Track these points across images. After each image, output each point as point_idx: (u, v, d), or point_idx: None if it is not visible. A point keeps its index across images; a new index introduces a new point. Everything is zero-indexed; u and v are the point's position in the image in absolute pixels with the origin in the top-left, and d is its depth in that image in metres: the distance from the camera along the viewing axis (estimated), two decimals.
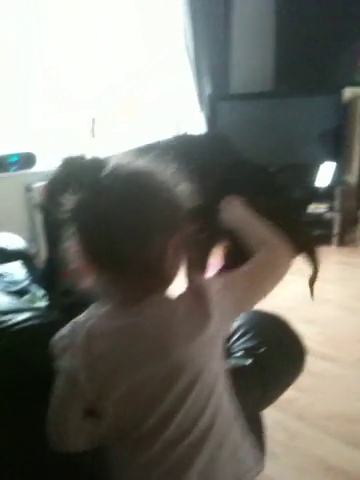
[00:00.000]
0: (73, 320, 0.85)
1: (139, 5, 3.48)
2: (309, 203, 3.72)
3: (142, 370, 0.79)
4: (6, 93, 3.05)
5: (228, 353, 1.18)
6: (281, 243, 0.94)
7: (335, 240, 3.76)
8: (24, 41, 3.06)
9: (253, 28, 4.00)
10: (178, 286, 0.85)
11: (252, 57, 4.03)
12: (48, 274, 1.77)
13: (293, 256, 0.96)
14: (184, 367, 0.79)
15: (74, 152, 0.83)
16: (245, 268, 0.89)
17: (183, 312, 0.79)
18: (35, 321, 1.00)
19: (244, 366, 1.13)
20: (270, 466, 1.45)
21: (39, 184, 2.75)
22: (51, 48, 3.22)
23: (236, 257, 0.96)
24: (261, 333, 1.23)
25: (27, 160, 2.77)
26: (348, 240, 3.79)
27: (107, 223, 0.76)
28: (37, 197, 2.74)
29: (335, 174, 3.67)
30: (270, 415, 1.41)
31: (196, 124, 3.74)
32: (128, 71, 3.61)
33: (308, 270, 1.14)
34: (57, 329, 0.86)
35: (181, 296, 0.83)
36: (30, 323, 0.99)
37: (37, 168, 2.80)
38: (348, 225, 3.80)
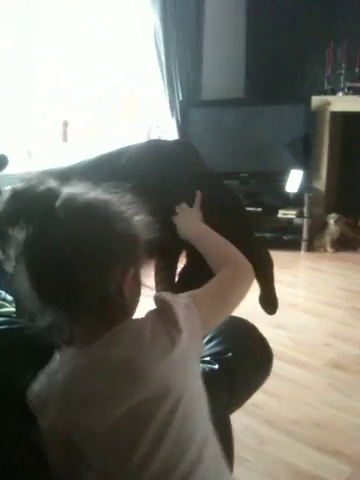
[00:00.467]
0: (42, 373, 0.82)
1: (139, 5, 3.51)
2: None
3: (123, 403, 0.76)
4: (6, 93, 3.05)
5: None
6: (243, 259, 0.95)
7: (304, 245, 3.82)
8: (24, 41, 3.05)
9: (224, 36, 4.06)
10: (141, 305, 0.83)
11: (224, 65, 4.08)
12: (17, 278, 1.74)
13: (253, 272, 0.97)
14: (163, 391, 0.76)
15: (29, 178, 0.77)
16: (211, 285, 0.89)
17: (150, 332, 0.77)
18: (2, 327, 0.98)
19: (211, 371, 1.13)
20: (239, 471, 1.46)
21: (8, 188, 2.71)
22: (51, 48, 3.22)
23: (194, 269, 0.97)
24: (227, 338, 1.24)
25: None
26: (317, 245, 3.86)
27: (61, 256, 0.72)
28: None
29: (304, 181, 3.74)
30: (239, 420, 1.42)
31: (169, 129, 3.76)
32: (128, 71, 3.65)
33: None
34: (26, 335, 0.84)
35: (146, 316, 0.81)
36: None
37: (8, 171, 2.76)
38: (316, 231, 3.87)
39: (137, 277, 0.81)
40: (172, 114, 3.74)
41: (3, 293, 1.64)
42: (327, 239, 3.80)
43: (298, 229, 3.83)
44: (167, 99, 3.70)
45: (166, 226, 0.95)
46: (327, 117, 3.76)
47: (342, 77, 3.68)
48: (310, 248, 3.83)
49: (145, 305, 0.84)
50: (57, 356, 0.82)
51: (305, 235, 3.81)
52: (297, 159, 3.79)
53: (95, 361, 0.77)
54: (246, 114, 3.87)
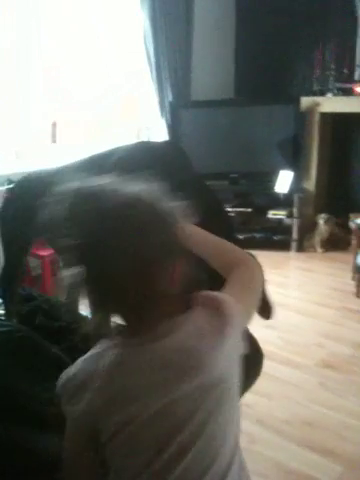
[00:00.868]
0: (81, 359, 0.82)
1: (129, 5, 3.50)
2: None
3: (173, 392, 0.77)
4: (6, 93, 3.03)
5: None
6: (248, 256, 0.96)
7: (294, 246, 3.84)
8: (24, 41, 3.04)
9: (214, 37, 4.07)
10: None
11: (213, 66, 4.09)
12: (5, 281, 1.73)
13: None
14: (217, 381, 0.78)
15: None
16: (234, 287, 0.89)
17: (207, 324, 0.79)
18: None
19: None
20: None
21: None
22: (51, 48, 3.22)
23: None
24: None
25: None
26: (307, 246, 3.88)
27: (115, 249, 0.74)
28: None
29: (293, 181, 3.75)
30: None
31: (159, 130, 3.75)
32: (128, 71, 3.65)
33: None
34: (13, 337, 0.84)
35: (198, 310, 0.82)
36: None
37: None
38: (306, 231, 3.88)
39: (185, 268, 0.81)
40: (162, 115, 3.74)
41: None
42: (317, 239, 3.82)
43: (288, 229, 3.84)
44: (157, 100, 3.70)
45: None
46: (316, 118, 3.78)
47: (331, 78, 3.70)
48: (300, 248, 3.84)
49: None
50: (102, 343, 0.82)
51: (295, 235, 3.82)
52: (287, 160, 3.81)
53: (149, 351, 0.78)
54: (236, 115, 3.88)
